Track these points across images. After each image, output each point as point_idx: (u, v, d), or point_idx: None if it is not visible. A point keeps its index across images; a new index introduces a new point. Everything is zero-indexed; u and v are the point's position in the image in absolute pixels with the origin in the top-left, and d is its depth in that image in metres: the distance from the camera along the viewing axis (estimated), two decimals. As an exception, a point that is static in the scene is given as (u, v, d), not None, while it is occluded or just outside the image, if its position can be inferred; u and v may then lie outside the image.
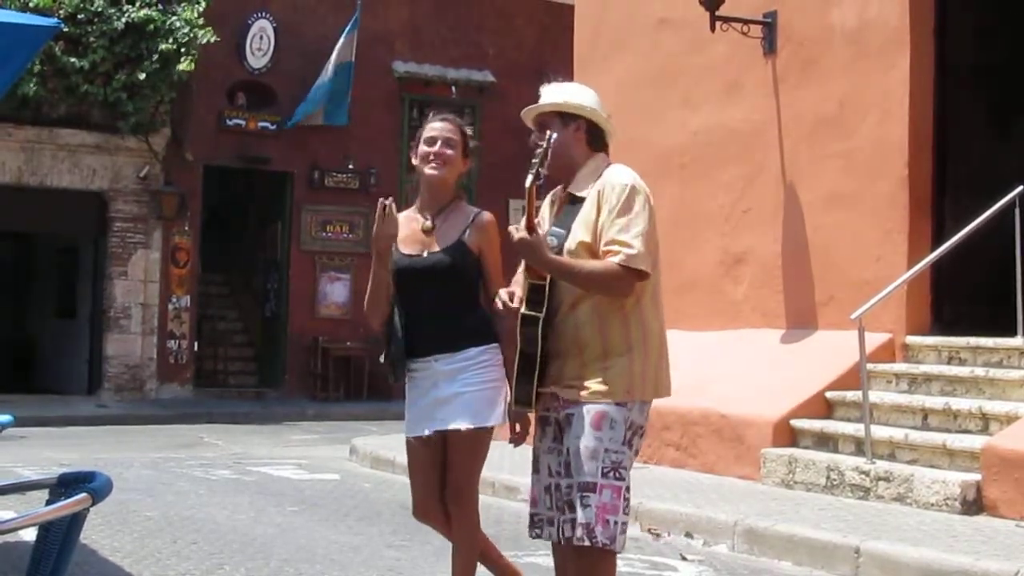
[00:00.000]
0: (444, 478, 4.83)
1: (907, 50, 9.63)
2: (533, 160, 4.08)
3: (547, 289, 4.16)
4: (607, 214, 4.11)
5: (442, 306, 4.77)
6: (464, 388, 4.71)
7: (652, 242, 4.12)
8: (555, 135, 4.16)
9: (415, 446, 4.85)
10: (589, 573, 4.16)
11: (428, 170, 4.81)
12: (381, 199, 4.76)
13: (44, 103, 17.17)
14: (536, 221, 4.13)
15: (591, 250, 4.13)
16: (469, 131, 4.98)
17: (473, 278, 4.81)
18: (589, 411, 4.10)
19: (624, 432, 4.11)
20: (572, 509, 4.10)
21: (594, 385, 4.12)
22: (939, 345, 9.25)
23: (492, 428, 4.78)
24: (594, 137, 4.34)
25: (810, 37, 10.40)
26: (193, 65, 17.08)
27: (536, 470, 4.31)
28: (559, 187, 4.40)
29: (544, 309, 4.15)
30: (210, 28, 17.23)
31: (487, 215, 4.88)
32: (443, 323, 4.75)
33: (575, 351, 4.15)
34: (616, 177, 4.19)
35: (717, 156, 11.16)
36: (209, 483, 9.97)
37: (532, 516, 4.33)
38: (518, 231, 4.06)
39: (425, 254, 4.79)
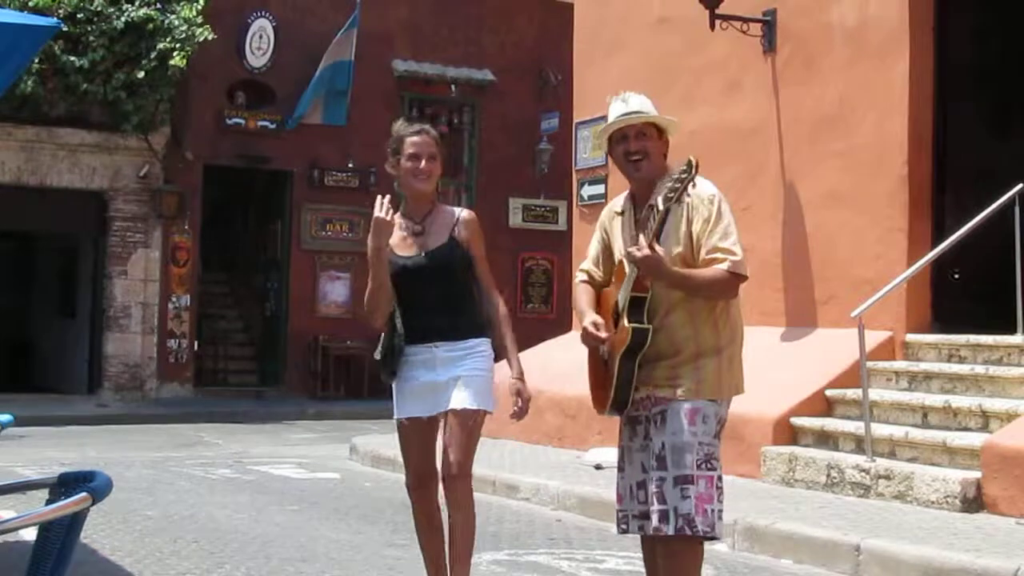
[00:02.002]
0: (433, 454, 5.15)
1: (906, 49, 9.64)
2: (676, 185, 4.19)
3: (647, 301, 4.36)
4: (703, 224, 4.35)
5: (442, 299, 5.06)
6: (465, 372, 5.01)
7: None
8: (695, 164, 4.24)
9: (408, 427, 5.16)
10: (682, 561, 4.34)
11: (419, 185, 5.12)
12: (380, 196, 5.03)
13: (44, 102, 17.17)
14: (654, 240, 4.26)
15: (685, 260, 4.34)
16: (436, 131, 5.33)
17: (466, 271, 5.13)
18: (683, 407, 4.30)
19: (715, 426, 4.34)
20: (662, 501, 4.27)
21: (688, 383, 4.32)
22: (939, 343, 9.26)
23: (486, 414, 5.07)
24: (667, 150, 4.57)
25: (809, 35, 10.41)
26: (185, 61, 17.06)
27: (621, 468, 4.51)
28: (624, 196, 4.58)
29: (644, 318, 4.34)
30: (207, 26, 17.23)
31: (469, 211, 5.23)
32: (444, 314, 5.05)
33: (670, 353, 4.35)
34: (703, 190, 4.38)
35: (717, 155, 11.12)
36: (209, 482, 9.98)
37: (618, 513, 4.51)
38: (640, 250, 4.23)
39: (422, 254, 5.08)
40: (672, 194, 4.21)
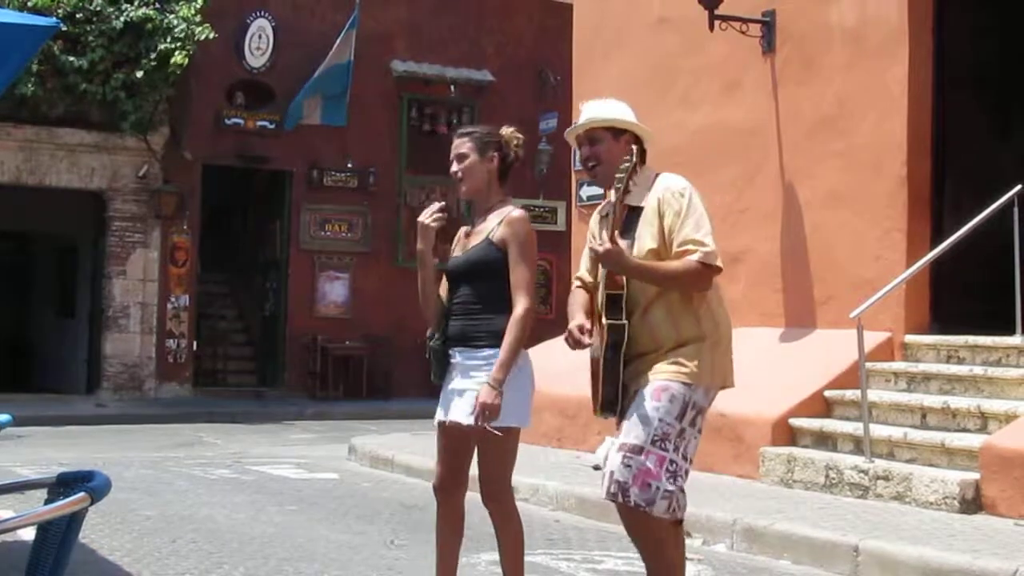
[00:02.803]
0: (463, 460, 5.02)
1: (906, 49, 9.64)
2: (620, 175, 4.30)
3: (624, 299, 4.39)
4: (674, 218, 4.37)
5: (468, 303, 4.94)
6: (478, 387, 4.81)
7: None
8: (636, 151, 4.36)
9: (438, 427, 5.06)
10: (636, 529, 4.40)
11: (457, 188, 5.06)
12: (437, 202, 5.01)
13: (43, 102, 17.17)
14: (615, 233, 4.34)
15: (659, 255, 4.37)
16: (483, 130, 5.10)
17: (501, 276, 4.91)
18: (653, 384, 4.35)
19: (681, 408, 4.33)
20: (606, 463, 4.36)
21: (665, 366, 4.37)
22: (938, 344, 9.25)
23: (515, 428, 4.90)
24: (640, 150, 4.53)
25: (809, 36, 10.41)
26: (187, 59, 17.06)
27: None
28: (607, 201, 4.64)
29: (624, 316, 4.39)
30: (208, 25, 17.23)
31: (517, 212, 4.95)
32: (467, 319, 4.93)
33: (652, 348, 4.39)
34: (674, 184, 4.46)
35: (716, 155, 11.15)
36: (208, 482, 9.98)
37: None
38: (601, 244, 4.27)
39: (458, 253, 5.03)
40: (619, 184, 4.28)
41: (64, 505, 3.02)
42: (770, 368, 9.87)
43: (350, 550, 7.06)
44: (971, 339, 8.97)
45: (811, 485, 8.55)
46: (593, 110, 4.57)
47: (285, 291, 19.54)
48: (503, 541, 5.01)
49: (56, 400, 17.95)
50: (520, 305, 4.80)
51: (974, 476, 7.63)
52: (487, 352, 4.84)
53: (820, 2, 10.32)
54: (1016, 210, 8.87)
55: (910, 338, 9.47)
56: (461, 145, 5.01)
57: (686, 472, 4.40)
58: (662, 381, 4.34)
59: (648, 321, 4.38)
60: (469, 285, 4.92)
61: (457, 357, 4.93)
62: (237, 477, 10.36)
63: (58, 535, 3.05)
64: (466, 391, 4.86)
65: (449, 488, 5.03)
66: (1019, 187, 8.86)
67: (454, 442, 4.99)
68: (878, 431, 8.44)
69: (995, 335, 8.79)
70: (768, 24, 10.70)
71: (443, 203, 4.98)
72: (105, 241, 18.24)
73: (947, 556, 6.31)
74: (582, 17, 13.35)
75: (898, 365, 9.33)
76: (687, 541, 7.44)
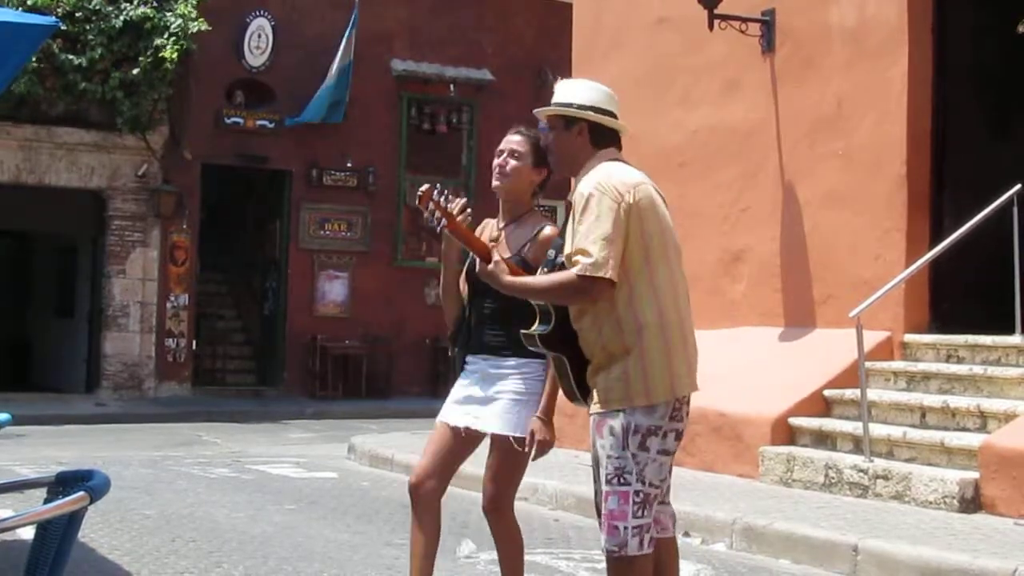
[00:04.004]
0: (454, 464, 4.94)
1: (905, 48, 9.65)
2: (426, 217, 4.31)
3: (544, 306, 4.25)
4: (573, 223, 4.10)
5: (495, 313, 4.84)
6: (502, 395, 4.79)
7: (619, 244, 4.01)
8: (432, 207, 4.30)
9: (440, 427, 4.96)
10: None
11: (493, 181, 4.96)
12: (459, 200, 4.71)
13: (42, 101, 17.16)
14: (492, 246, 4.29)
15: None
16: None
17: None
18: (593, 421, 4.16)
19: (622, 438, 4.06)
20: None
21: (596, 395, 4.15)
22: (937, 343, 9.26)
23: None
24: (599, 135, 4.29)
25: (808, 36, 10.41)
26: (175, 54, 17.03)
27: None
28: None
29: (550, 323, 4.20)
30: (202, 19, 17.21)
31: (549, 229, 4.84)
32: (496, 330, 4.84)
33: (590, 359, 4.18)
34: (583, 183, 4.14)
35: (715, 155, 11.16)
36: (207, 481, 9.98)
37: None
38: (479, 263, 4.18)
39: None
40: (428, 213, 4.30)
41: (63, 504, 3.03)
42: (770, 368, 9.87)
43: (349, 549, 7.06)
44: (970, 338, 8.98)
45: (810, 484, 8.55)
46: (556, 94, 4.35)
47: (284, 290, 19.53)
48: (503, 549, 4.97)
49: (56, 399, 17.93)
50: None
51: (973, 475, 7.64)
52: (512, 362, 4.79)
53: (820, 2, 10.32)
54: (1015, 209, 8.88)
55: (909, 337, 9.48)
56: (520, 144, 4.92)
57: (655, 497, 4.13)
58: (597, 416, 4.12)
59: (581, 331, 4.15)
60: (494, 296, 4.69)
61: (479, 363, 4.88)
62: (236, 476, 10.36)
63: (57, 534, 3.05)
64: (495, 400, 4.78)
65: (431, 488, 4.91)
66: (1018, 186, 8.87)
67: (458, 446, 4.91)
68: (877, 430, 8.45)
69: (994, 334, 8.79)
70: (768, 24, 10.70)
71: (465, 200, 4.70)
72: (105, 240, 18.22)
73: (946, 555, 6.32)
74: (582, 17, 13.35)
75: (897, 364, 9.33)
76: (687, 540, 7.46)
